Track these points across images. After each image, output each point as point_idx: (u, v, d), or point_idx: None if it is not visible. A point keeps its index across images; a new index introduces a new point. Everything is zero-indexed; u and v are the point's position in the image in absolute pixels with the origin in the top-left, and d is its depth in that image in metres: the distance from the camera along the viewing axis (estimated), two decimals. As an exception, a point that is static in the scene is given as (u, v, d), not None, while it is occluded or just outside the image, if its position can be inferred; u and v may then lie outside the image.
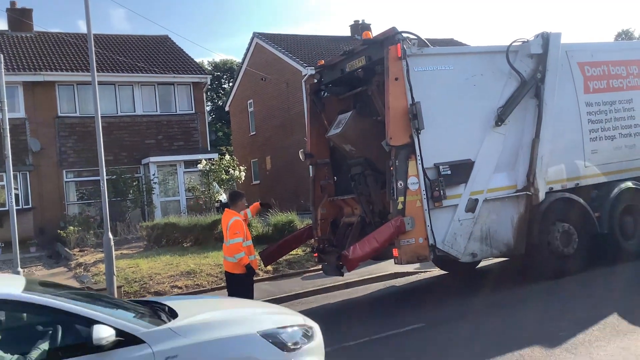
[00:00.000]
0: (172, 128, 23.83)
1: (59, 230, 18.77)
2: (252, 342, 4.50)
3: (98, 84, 12.01)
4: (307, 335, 4.82)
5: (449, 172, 9.08)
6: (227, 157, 22.59)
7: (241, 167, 22.42)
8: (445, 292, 10.28)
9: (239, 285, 8.40)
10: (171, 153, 23.11)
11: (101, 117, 12.53)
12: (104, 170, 11.51)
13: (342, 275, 10.16)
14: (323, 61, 11.22)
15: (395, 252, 8.80)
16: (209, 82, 26.44)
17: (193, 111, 24.29)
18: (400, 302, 10.22)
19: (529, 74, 9.94)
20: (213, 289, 11.82)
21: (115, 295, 10.79)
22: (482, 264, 11.26)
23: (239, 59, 42.58)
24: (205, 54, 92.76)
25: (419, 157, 8.90)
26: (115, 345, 4.06)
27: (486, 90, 9.65)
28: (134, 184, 22.19)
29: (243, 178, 22.53)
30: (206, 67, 50.20)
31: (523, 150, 9.83)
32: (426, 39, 9.75)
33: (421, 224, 8.82)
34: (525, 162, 9.80)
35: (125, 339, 4.11)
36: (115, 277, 10.98)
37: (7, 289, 4.35)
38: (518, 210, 9.69)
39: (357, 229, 9.94)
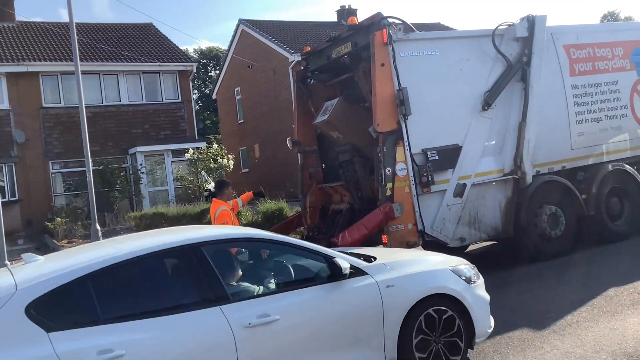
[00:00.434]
0: (159, 117, 23.66)
1: (46, 222, 18.65)
2: (447, 275, 5.48)
3: (82, 74, 11.91)
4: (477, 274, 5.75)
5: (437, 157, 9.09)
6: (215, 145, 22.48)
7: (229, 156, 22.32)
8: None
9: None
10: (158, 142, 22.96)
11: (86, 107, 12.43)
12: (90, 160, 11.44)
13: (332, 262, 10.18)
14: (309, 47, 11.16)
15: (384, 238, 8.82)
16: (195, 70, 26.27)
17: (179, 100, 24.13)
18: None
19: (515, 58, 9.94)
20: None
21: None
22: (470, 247, 11.30)
23: (225, 47, 42.35)
24: (191, 41, 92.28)
25: (406, 143, 8.90)
26: (340, 277, 4.97)
27: (473, 75, 9.65)
28: (122, 174, 22.05)
29: (231, 166, 22.44)
30: (192, 54, 49.83)
31: (510, 134, 9.85)
32: (412, 23, 9.71)
33: (410, 210, 8.84)
34: (512, 145, 9.83)
35: (354, 272, 5.06)
36: (104, 269, 10.91)
37: (256, 231, 5.79)
38: (505, 194, 9.73)
39: (346, 216, 9.94)
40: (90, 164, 11.45)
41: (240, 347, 4.36)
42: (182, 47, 44.56)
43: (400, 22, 9.30)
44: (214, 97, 36.07)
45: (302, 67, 11.11)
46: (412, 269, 5.41)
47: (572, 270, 9.12)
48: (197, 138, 24.20)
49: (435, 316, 5.16)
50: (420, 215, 8.88)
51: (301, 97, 11.12)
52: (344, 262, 4.99)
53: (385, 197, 8.72)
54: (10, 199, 20.54)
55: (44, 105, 21.69)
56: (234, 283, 4.93)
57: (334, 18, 32.08)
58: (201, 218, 15.93)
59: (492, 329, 5.63)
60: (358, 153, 9.80)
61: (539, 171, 10.02)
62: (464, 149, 9.36)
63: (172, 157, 22.78)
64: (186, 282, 4.70)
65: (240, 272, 5.18)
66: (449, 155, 9.22)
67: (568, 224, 10.00)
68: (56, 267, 4.49)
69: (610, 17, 50.64)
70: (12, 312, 3.96)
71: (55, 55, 22.16)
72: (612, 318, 6.46)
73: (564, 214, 9.99)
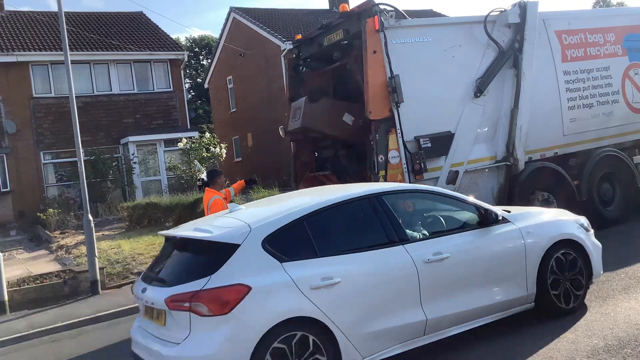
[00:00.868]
0: (151, 106, 23.54)
1: (38, 213, 18.56)
2: (571, 224, 6.51)
3: (72, 63, 11.80)
4: (589, 225, 6.75)
5: (429, 144, 9.09)
6: (208, 134, 22.43)
7: (222, 145, 22.27)
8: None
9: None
10: (150, 132, 22.87)
11: (77, 97, 12.32)
12: (81, 151, 11.36)
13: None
14: (300, 35, 11.10)
15: (377, 225, 8.81)
16: (186, 59, 26.16)
17: (171, 89, 24.01)
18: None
19: (507, 44, 9.93)
20: (197, 268, 11.79)
21: (98, 278, 10.75)
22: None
23: (216, 35, 42.10)
24: (182, 30, 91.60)
25: (399, 131, 8.90)
26: (489, 223, 5.97)
27: (465, 62, 9.63)
28: (114, 164, 21.98)
29: (224, 156, 22.40)
30: (183, 43, 49.52)
31: (502, 121, 9.86)
32: (404, 10, 9.65)
33: (402, 197, 8.84)
34: (505, 132, 9.84)
35: (500, 219, 6.04)
36: (97, 259, 10.92)
37: (421, 186, 6.96)
38: (498, 180, 9.76)
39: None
40: (82, 155, 11.37)
41: (421, 277, 5.36)
42: (174, 36, 44.32)
43: (392, 9, 9.25)
44: (206, 86, 35.88)
45: (294, 55, 11.06)
46: (543, 218, 6.44)
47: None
48: (189, 127, 24.13)
49: (563, 259, 6.17)
50: (412, 202, 8.88)
51: (293, 85, 11.07)
52: (497, 210, 6.12)
53: (378, 184, 8.71)
54: (2, 190, 20.47)
55: (34, 95, 21.54)
56: (408, 227, 5.78)
57: (325, 5, 31.94)
58: (194, 207, 15.90)
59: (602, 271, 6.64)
60: (341, 145, 9.76)
61: (531, 158, 10.05)
62: (456, 136, 9.37)
63: (165, 147, 22.70)
64: (375, 224, 5.54)
65: (410, 218, 6.10)
66: (442, 143, 9.23)
67: (560, 210, 10.05)
68: (271, 211, 5.57)
69: (602, 3, 50.61)
70: (252, 246, 4.91)
71: (44, 45, 21.96)
72: (604, 303, 6.51)
73: (556, 200, 10.03)
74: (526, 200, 9.80)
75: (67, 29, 11.63)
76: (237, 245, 4.88)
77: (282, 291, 4.78)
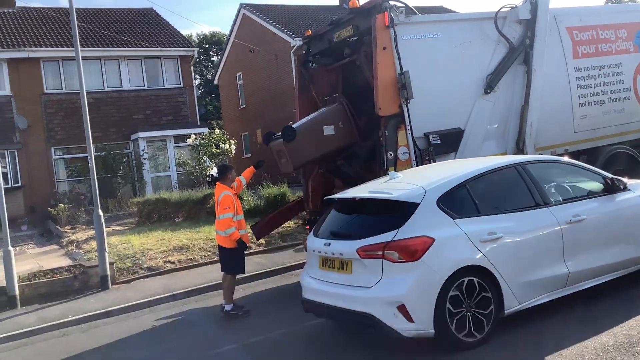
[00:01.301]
0: (161, 103, 23.62)
1: (49, 208, 18.67)
2: None
3: (83, 59, 11.84)
4: None
5: (439, 141, 9.06)
6: (217, 131, 22.44)
7: (231, 141, 22.30)
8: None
9: (231, 258, 8.42)
10: (160, 128, 22.94)
11: (88, 92, 12.39)
12: (92, 146, 11.42)
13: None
14: (310, 31, 11.07)
15: (386, 222, 8.80)
16: (196, 55, 26.16)
17: (181, 85, 24.07)
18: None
19: (518, 40, 9.87)
20: (206, 264, 11.85)
21: (108, 273, 10.82)
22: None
23: (225, 31, 42.14)
24: (194, 27, 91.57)
25: (408, 127, 8.86)
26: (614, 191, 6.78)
27: (475, 58, 9.58)
28: (124, 160, 22.08)
29: (233, 152, 22.42)
30: (195, 40, 49.63)
31: (512, 117, 9.81)
32: (414, 6, 9.61)
33: (412, 194, 8.81)
34: (515, 129, 9.80)
35: (623, 188, 6.84)
36: (107, 254, 10.98)
37: (554, 157, 7.83)
38: (508, 177, 9.70)
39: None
40: (92, 150, 11.43)
41: (564, 236, 6.15)
42: (186, 33, 44.40)
43: (402, 4, 9.22)
44: (215, 82, 35.95)
45: (304, 51, 11.03)
46: None
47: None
48: (199, 123, 24.17)
49: None
50: (422, 199, 8.86)
51: (303, 82, 11.06)
52: (624, 179, 6.95)
53: (387, 181, 8.69)
54: (14, 185, 20.60)
55: (45, 91, 21.66)
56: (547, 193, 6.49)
57: (335, 1, 31.86)
58: (204, 203, 15.98)
59: None
60: (339, 155, 9.63)
61: (541, 154, 9.98)
62: (466, 133, 9.33)
63: (174, 143, 22.76)
64: (523, 189, 6.32)
65: (546, 185, 6.66)
66: (451, 139, 9.19)
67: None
68: (437, 176, 6.35)
69: (615, -1, 50.12)
70: (429, 205, 5.77)
71: (56, 41, 22.08)
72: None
73: (566, 197, 9.97)
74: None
75: (78, 25, 11.68)
76: (417, 204, 5.75)
77: (458, 243, 5.65)
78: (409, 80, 8.75)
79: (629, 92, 11.07)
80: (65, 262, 12.81)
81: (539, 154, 9.89)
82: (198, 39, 51.70)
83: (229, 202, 8.23)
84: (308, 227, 10.72)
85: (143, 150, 22.05)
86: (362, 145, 9.76)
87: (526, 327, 6.00)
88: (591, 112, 10.63)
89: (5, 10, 23.93)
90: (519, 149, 9.70)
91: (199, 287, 10.26)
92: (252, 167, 9.27)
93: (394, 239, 5.53)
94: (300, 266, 11.00)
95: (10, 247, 10.45)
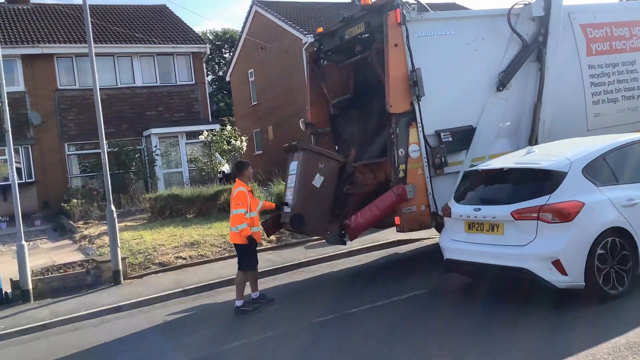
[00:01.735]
0: (173, 99, 23.71)
1: (62, 204, 18.83)
2: None
3: (96, 56, 11.92)
4: None
5: (450, 139, 9.02)
6: (229, 127, 22.54)
7: (243, 138, 22.35)
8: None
9: (242, 254, 8.46)
10: (172, 124, 23.04)
11: (101, 89, 12.47)
12: (105, 142, 11.49)
13: (345, 244, 10.15)
14: (322, 28, 11.07)
15: (397, 220, 8.81)
16: (208, 52, 26.24)
17: (193, 82, 24.14)
18: (403, 269, 10.28)
19: (531, 37, 9.80)
20: (217, 260, 11.90)
21: (120, 268, 10.89)
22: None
23: (238, 28, 42.17)
24: (207, 24, 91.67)
25: (419, 125, 8.84)
26: None
27: (487, 55, 9.53)
28: (136, 156, 22.21)
29: (245, 148, 22.49)
30: (208, 36, 49.71)
31: (525, 115, 9.75)
32: (426, 3, 9.58)
33: (423, 192, 8.81)
34: (527, 127, 9.73)
35: None
36: (119, 249, 11.06)
37: None
38: (520, 175, 9.65)
39: (360, 198, 9.92)
40: (105, 146, 11.51)
41: None
42: (199, 30, 44.40)
43: (414, 1, 9.17)
44: (227, 79, 36.03)
45: (315, 48, 11.03)
46: None
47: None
48: (210, 120, 24.24)
49: None
50: (433, 197, 8.85)
51: (314, 79, 11.07)
52: None
53: (398, 178, 8.69)
54: (27, 181, 20.78)
55: (59, 87, 21.81)
56: None
57: (348, -2, 31.73)
58: (215, 199, 16.05)
59: None
60: (347, 169, 9.43)
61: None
62: (478, 130, 9.28)
63: (186, 139, 22.86)
64: None
65: None
66: (463, 137, 9.15)
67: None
68: (577, 149, 7.09)
69: (630, -4, 49.59)
70: (575, 173, 6.61)
71: (69, 38, 22.22)
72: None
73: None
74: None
75: (91, 21, 11.76)
76: (565, 173, 6.58)
77: (604, 207, 6.46)
78: (421, 77, 8.73)
79: (643, 90, 10.95)
80: (77, 257, 12.92)
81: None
82: (211, 36, 51.81)
83: (242, 198, 8.27)
84: None
85: (155, 146, 22.17)
86: (373, 140, 9.73)
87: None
88: (605, 110, 10.54)
89: (20, 7, 24.12)
90: (531, 147, 9.63)
91: (210, 282, 10.31)
92: (274, 205, 9.42)
93: (547, 203, 6.39)
94: (311, 263, 11.09)
95: (23, 242, 10.55)
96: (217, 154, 21.75)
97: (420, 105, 8.83)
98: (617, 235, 6.44)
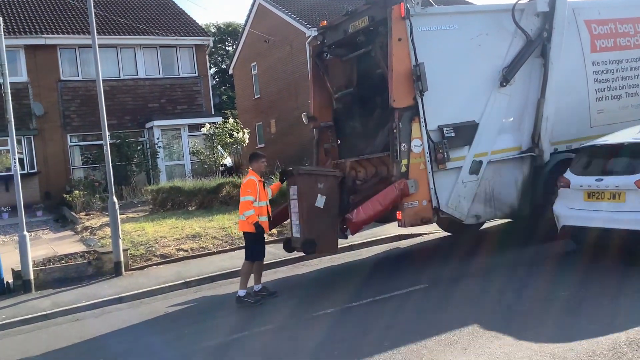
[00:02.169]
0: (175, 91, 23.69)
1: (64, 195, 18.87)
2: None
3: (99, 47, 11.91)
4: None
5: (453, 134, 9.00)
6: (231, 120, 22.51)
7: (245, 130, 22.34)
8: (449, 253, 10.32)
9: (249, 244, 8.48)
10: (175, 117, 23.04)
11: (104, 80, 12.48)
12: (107, 134, 11.50)
13: (346, 237, 10.14)
14: (325, 22, 11.04)
15: (398, 214, 8.81)
16: (211, 45, 26.19)
17: (196, 74, 24.12)
18: (404, 263, 10.30)
19: (535, 33, 9.77)
20: (219, 252, 11.92)
21: (122, 259, 10.92)
22: (486, 225, 11.27)
23: (241, 21, 42.10)
24: (211, 16, 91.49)
25: (422, 119, 8.83)
26: None
27: (491, 50, 9.50)
28: (139, 148, 22.22)
29: (247, 141, 22.48)
30: (211, 29, 49.62)
31: (528, 111, 9.73)
32: (430, -3, 9.56)
33: (425, 187, 8.80)
34: (530, 122, 9.71)
35: None
36: (120, 241, 11.08)
37: None
38: (522, 171, 9.65)
39: (361, 192, 9.91)
40: (108, 138, 11.52)
41: None
42: (203, 23, 44.28)
43: (419, -5, 9.15)
44: (230, 72, 35.98)
45: (319, 42, 11.01)
46: None
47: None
48: (213, 113, 24.23)
49: None
50: (435, 192, 8.84)
51: (317, 72, 11.05)
52: None
53: (400, 173, 8.68)
54: (29, 172, 20.80)
55: (62, 78, 21.79)
56: None
57: (352, -8, 31.64)
58: (217, 192, 16.06)
59: None
60: (345, 194, 9.13)
61: (557, 149, 9.90)
62: (480, 126, 9.27)
63: (189, 132, 22.85)
64: None
65: None
66: (466, 132, 9.13)
67: (585, 202, 9.92)
68: None
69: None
70: None
71: (73, 28, 22.20)
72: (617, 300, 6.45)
73: (581, 192, 9.89)
74: (551, 192, 9.67)
75: (95, 12, 11.75)
76: None
77: None
78: (424, 72, 8.70)
79: (647, 87, 10.92)
80: (79, 248, 12.95)
81: (555, 148, 9.84)
82: (214, 29, 51.73)
83: (251, 186, 8.30)
84: None
85: (157, 138, 22.17)
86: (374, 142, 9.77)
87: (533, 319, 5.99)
88: (608, 106, 10.51)
89: (23, -3, 24.08)
90: (534, 143, 9.62)
91: (211, 275, 10.34)
92: (279, 182, 9.29)
93: None
94: (313, 256, 11.05)
95: (25, 232, 10.58)
96: (219, 147, 21.74)
97: (424, 100, 8.82)
98: None
